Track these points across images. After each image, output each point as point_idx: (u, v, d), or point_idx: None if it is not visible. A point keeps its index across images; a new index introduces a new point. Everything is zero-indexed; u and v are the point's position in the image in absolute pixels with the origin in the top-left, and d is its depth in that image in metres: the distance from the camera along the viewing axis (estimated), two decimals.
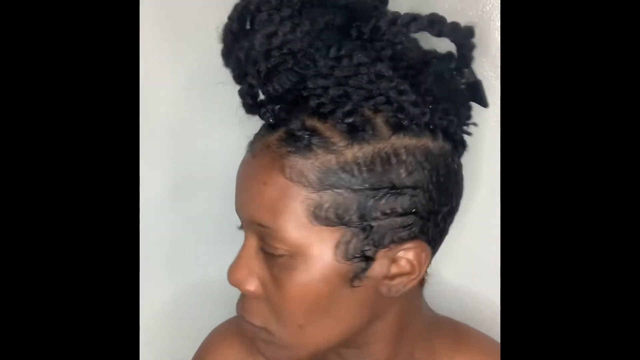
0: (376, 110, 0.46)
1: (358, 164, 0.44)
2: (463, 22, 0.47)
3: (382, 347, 0.52)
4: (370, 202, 0.45)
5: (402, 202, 0.45)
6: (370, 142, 0.45)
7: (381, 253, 0.46)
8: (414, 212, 0.46)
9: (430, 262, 0.49)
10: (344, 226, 0.45)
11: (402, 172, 0.45)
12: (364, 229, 0.45)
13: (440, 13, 0.46)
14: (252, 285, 0.48)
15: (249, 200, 0.48)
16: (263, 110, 0.47)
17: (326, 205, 0.45)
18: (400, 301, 0.50)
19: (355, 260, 0.46)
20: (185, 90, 0.70)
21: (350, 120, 0.45)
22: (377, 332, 0.51)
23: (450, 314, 0.60)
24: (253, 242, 0.49)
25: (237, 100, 0.49)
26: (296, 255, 0.46)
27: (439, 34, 0.46)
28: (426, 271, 0.50)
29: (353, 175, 0.44)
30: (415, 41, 0.48)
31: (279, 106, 0.47)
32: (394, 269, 0.47)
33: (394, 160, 0.45)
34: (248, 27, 0.45)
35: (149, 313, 0.73)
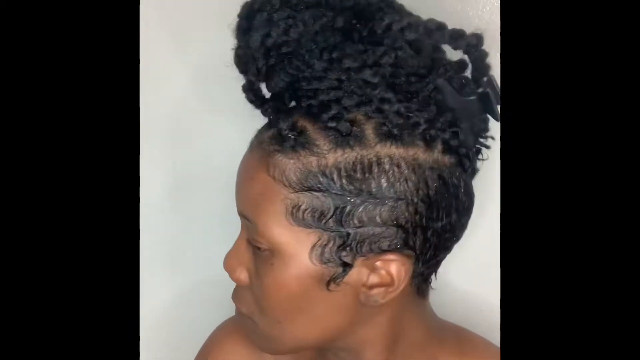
0: (369, 117, 0.45)
1: (339, 169, 0.44)
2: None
3: (376, 354, 0.52)
4: (348, 208, 0.44)
5: (382, 212, 0.44)
6: (354, 148, 0.44)
7: (359, 261, 0.46)
8: (395, 223, 0.45)
9: (412, 276, 0.47)
10: (320, 230, 0.45)
11: (383, 182, 0.44)
12: (340, 235, 0.45)
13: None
14: (242, 274, 0.50)
15: (239, 193, 0.49)
16: (265, 106, 0.48)
17: (303, 207, 0.45)
18: (390, 309, 0.49)
19: (331, 264, 0.46)
20: (185, 90, 0.70)
21: (334, 124, 0.45)
22: (366, 338, 0.51)
23: (457, 319, 0.59)
24: (245, 234, 0.50)
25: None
26: (275, 252, 0.46)
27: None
28: (429, 283, 0.50)
29: (332, 180, 0.44)
30: (428, 46, 0.46)
31: (272, 104, 0.48)
32: (373, 279, 0.47)
33: (375, 169, 0.44)
34: (248, 26, 0.46)
35: (149, 313, 0.73)
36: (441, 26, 0.45)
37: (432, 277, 0.52)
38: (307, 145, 0.45)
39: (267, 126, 0.49)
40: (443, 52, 0.48)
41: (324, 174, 0.44)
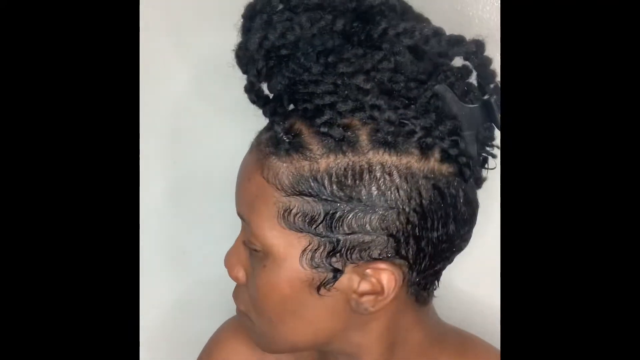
0: (364, 123, 0.44)
1: (330, 175, 0.44)
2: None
3: (373, 359, 0.51)
4: (338, 214, 0.44)
5: (372, 220, 0.44)
6: (347, 154, 0.44)
7: (350, 267, 0.46)
8: (386, 232, 0.44)
9: (404, 285, 0.47)
10: (311, 234, 0.45)
11: (374, 189, 0.44)
12: (330, 241, 0.45)
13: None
14: (239, 273, 0.51)
15: (237, 193, 0.50)
16: (266, 107, 0.48)
17: (294, 211, 0.45)
18: (384, 316, 0.49)
19: (321, 269, 0.46)
20: (185, 90, 0.70)
21: (326, 129, 0.44)
22: (362, 343, 0.50)
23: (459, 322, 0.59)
24: (243, 234, 0.50)
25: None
26: (268, 254, 0.47)
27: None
28: (430, 291, 0.49)
29: (323, 186, 0.44)
30: (432, 51, 0.45)
31: (272, 105, 0.48)
32: (364, 286, 0.46)
33: (366, 176, 0.44)
34: (249, 27, 0.46)
35: (149, 313, 0.73)
36: (438, 32, 0.44)
37: (435, 284, 0.50)
38: (301, 149, 0.45)
39: (267, 128, 0.49)
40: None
41: (315, 179, 0.44)
